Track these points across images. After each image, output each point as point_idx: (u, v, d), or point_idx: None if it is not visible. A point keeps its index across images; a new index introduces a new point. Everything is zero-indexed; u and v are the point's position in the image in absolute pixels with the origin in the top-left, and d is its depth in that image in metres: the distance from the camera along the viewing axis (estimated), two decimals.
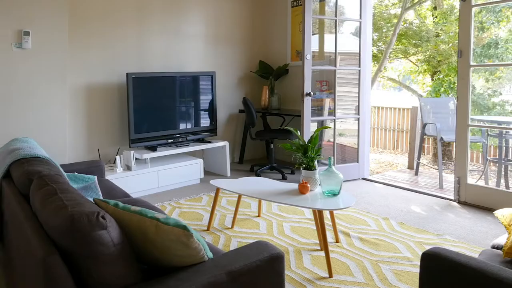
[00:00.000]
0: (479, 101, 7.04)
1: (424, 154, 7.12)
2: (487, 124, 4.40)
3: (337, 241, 2.71)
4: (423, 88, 8.43)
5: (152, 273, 1.38)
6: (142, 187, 3.80)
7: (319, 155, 2.65)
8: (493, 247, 1.81)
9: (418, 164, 5.02)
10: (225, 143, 4.49)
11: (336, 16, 4.20)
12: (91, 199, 2.50)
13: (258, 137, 4.58)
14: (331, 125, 4.40)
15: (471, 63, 3.43)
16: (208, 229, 2.94)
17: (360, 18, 4.24)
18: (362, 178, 4.39)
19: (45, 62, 3.32)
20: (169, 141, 4.17)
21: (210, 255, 1.38)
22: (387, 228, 2.96)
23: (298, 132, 2.75)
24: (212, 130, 4.57)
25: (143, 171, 3.81)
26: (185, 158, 4.27)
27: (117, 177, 3.63)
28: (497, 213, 1.89)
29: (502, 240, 1.78)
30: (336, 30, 4.22)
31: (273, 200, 2.49)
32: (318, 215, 2.32)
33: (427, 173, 5.05)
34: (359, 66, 4.28)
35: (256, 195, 2.61)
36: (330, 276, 2.24)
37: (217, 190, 2.88)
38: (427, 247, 2.62)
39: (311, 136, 2.68)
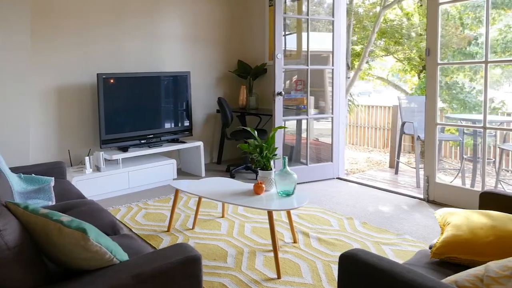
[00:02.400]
0: (467, 100, 6.99)
1: (413, 153, 7.07)
2: (463, 123, 4.36)
3: (294, 241, 2.69)
4: (411, 86, 8.40)
5: (69, 277, 1.36)
6: (112, 188, 3.79)
7: (275, 155, 2.63)
8: (430, 247, 1.78)
9: (397, 163, 4.99)
10: (199, 143, 4.47)
11: (308, 15, 4.18)
12: (43, 201, 2.50)
13: (233, 137, 4.56)
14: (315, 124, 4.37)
15: (439, 61, 3.41)
16: (168, 230, 2.92)
17: (333, 16, 4.21)
18: (336, 178, 4.36)
19: (6, 63, 3.30)
20: (142, 141, 4.15)
21: (122, 258, 1.36)
22: (349, 228, 2.94)
23: (255, 132, 2.73)
24: (188, 130, 4.55)
25: (113, 172, 3.79)
26: (158, 159, 4.25)
27: (85, 178, 3.62)
28: (437, 212, 1.88)
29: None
30: (308, 28, 4.20)
31: (226, 201, 2.48)
32: (268, 215, 2.31)
33: (408, 172, 5.02)
34: (333, 65, 4.26)
35: (211, 196, 2.59)
36: (279, 277, 2.22)
37: (176, 191, 2.87)
38: (384, 247, 2.60)
39: (268, 136, 2.66)
